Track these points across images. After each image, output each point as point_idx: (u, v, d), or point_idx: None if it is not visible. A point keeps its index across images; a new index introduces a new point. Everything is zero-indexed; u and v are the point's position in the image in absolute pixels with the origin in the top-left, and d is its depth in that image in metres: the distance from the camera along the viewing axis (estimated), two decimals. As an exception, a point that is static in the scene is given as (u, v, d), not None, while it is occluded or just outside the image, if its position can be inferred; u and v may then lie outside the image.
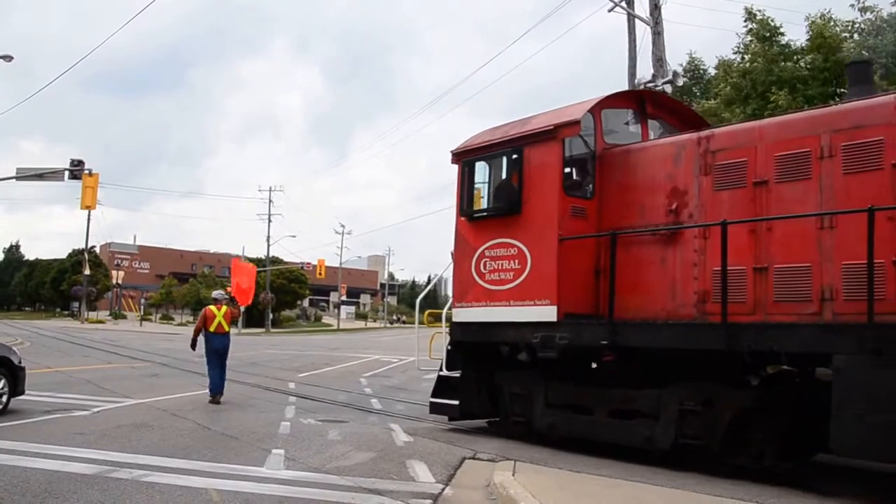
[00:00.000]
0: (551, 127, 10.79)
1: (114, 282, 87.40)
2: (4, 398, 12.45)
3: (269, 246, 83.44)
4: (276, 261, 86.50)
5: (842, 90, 17.93)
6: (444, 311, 12.92)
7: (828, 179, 8.46)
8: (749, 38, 21.16)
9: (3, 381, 12.42)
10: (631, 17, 22.63)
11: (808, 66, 19.09)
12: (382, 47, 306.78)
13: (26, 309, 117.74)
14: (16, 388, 12.72)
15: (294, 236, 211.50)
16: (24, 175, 32.07)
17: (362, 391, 18.55)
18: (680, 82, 11.84)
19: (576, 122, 10.58)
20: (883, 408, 7.28)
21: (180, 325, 79.65)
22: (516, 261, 11.03)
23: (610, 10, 22.35)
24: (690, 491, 7.92)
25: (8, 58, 32.80)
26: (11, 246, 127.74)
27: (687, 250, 9.67)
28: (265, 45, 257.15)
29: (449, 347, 12.53)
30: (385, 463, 9.34)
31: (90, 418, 12.40)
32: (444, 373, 12.53)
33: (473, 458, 9.74)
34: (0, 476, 7.83)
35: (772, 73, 19.16)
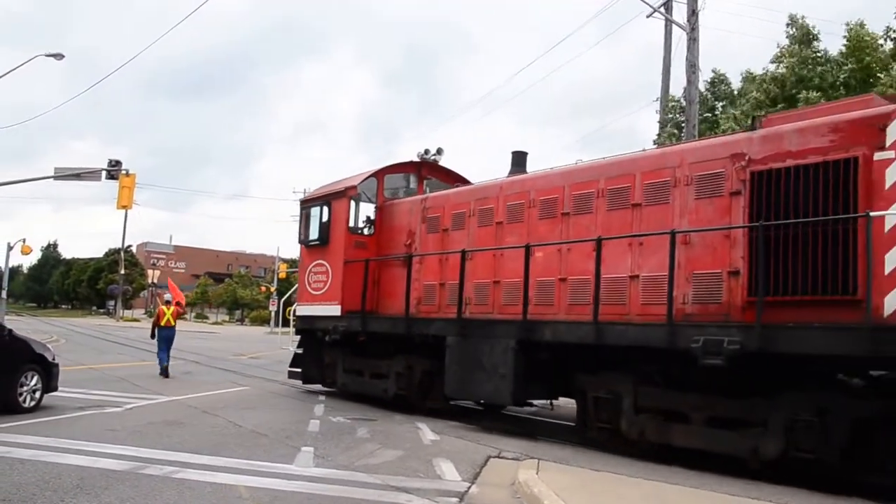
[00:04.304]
0: (343, 188, 16.13)
1: (149, 281, 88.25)
2: (38, 394, 12.62)
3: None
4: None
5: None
6: (293, 308, 18.02)
7: (471, 230, 13.66)
8: (788, 42, 21.09)
9: (36, 378, 12.59)
10: (668, 23, 22.64)
11: (845, 74, 18.98)
12: (439, 53, 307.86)
13: (63, 307, 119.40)
14: (49, 384, 12.91)
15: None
16: (62, 175, 32.21)
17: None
18: (443, 155, 17.36)
19: (354, 187, 15.99)
20: (466, 368, 12.45)
21: (215, 323, 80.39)
22: (325, 275, 16.37)
23: (648, 16, 22.78)
24: (708, 490, 8.12)
25: (59, 56, 33.15)
26: (49, 245, 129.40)
27: (413, 271, 14.46)
28: (324, 50, 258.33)
29: (297, 333, 18.04)
30: (412, 461, 9.47)
31: (122, 415, 12.56)
32: (296, 350, 17.90)
33: (498, 457, 9.91)
34: (33, 471, 7.94)
35: (800, 75, 19.03)
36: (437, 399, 13.78)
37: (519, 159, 14.50)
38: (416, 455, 9.86)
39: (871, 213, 7.92)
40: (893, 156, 8.17)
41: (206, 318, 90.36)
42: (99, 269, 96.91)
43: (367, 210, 16.92)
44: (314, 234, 16.85)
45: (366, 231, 16.55)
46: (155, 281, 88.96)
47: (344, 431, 11.74)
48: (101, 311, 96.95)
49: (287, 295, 21.82)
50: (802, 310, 8.56)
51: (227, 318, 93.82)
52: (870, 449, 8.14)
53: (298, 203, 17.44)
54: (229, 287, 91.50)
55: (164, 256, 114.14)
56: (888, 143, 8.22)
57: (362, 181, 16.11)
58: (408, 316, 13.93)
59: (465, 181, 16.64)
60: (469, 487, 8.10)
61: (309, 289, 16.95)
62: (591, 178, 11.55)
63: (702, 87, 24.69)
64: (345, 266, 15.65)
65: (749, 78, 22.79)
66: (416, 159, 16.79)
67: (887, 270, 7.99)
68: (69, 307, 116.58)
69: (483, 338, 12.25)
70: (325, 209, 16.45)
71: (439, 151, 16.47)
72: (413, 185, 17.21)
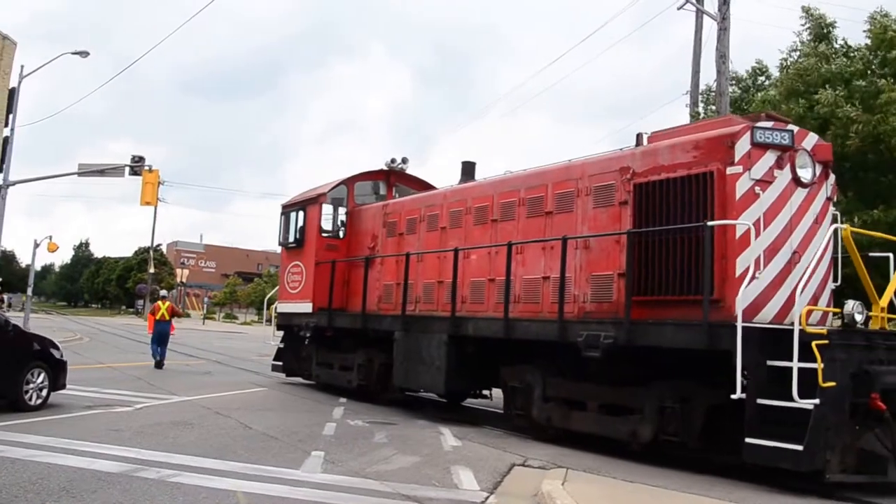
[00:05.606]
0: (315, 195, 17.65)
1: (178, 280, 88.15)
2: (44, 392, 12.31)
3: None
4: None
5: None
6: (274, 306, 19.89)
7: (421, 234, 14.82)
8: (805, 35, 20.30)
9: (43, 375, 12.29)
10: (699, 13, 21.95)
11: (863, 62, 18.04)
12: (472, 52, 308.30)
13: (93, 306, 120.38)
14: (56, 381, 12.60)
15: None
16: (86, 171, 32.05)
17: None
18: (408, 164, 18.31)
19: (324, 194, 17.45)
20: (409, 361, 13.78)
21: (244, 324, 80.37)
22: (300, 275, 17.88)
23: (679, 8, 21.87)
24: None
25: (84, 53, 33.27)
26: (80, 244, 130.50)
27: (375, 271, 15.90)
28: (356, 49, 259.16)
29: (278, 329, 19.74)
30: (429, 468, 9.01)
31: (131, 415, 12.24)
32: (279, 345, 19.64)
33: (523, 465, 9.38)
34: (23, 472, 7.64)
35: (820, 71, 18.13)
36: (393, 390, 15.15)
37: (467, 168, 15.57)
38: (434, 462, 9.40)
39: (709, 223, 9.00)
40: (741, 170, 9.23)
41: (235, 318, 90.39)
42: (128, 267, 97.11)
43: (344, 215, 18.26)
44: (292, 237, 18.46)
45: (340, 234, 17.81)
46: (184, 280, 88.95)
47: (360, 435, 11.28)
48: (131, 310, 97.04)
49: (270, 294, 23.57)
50: (674, 308, 9.59)
51: (256, 317, 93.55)
52: (721, 432, 9.16)
53: (280, 208, 19.28)
54: (258, 286, 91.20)
55: (194, 256, 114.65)
56: (736, 158, 9.26)
57: (332, 188, 17.53)
58: (364, 313, 15.34)
59: (431, 188, 17.69)
60: (487, 498, 7.61)
61: (287, 288, 18.59)
62: (514, 188, 12.75)
63: (743, 73, 23.99)
64: (316, 267, 17.10)
65: (784, 66, 21.97)
66: (385, 168, 18.43)
67: (738, 273, 9.01)
68: (99, 306, 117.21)
69: (422, 333, 13.60)
70: (301, 214, 18.01)
71: (404, 160, 18.32)
72: (383, 191, 18.45)
